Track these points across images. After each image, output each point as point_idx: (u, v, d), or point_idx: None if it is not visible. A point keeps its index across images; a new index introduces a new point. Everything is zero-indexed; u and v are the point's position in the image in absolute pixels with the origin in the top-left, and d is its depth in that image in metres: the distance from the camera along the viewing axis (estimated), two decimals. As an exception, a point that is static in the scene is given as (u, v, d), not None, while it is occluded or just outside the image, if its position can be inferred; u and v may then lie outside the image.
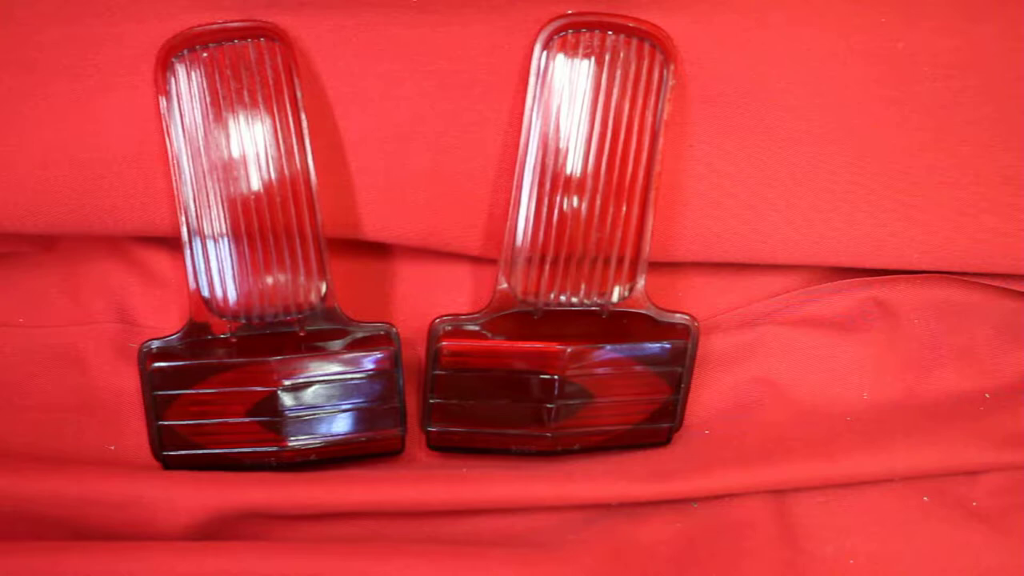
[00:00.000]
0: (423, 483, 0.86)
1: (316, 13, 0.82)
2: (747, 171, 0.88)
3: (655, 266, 0.87)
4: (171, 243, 0.92)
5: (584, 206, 0.84)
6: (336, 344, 0.86)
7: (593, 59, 0.83)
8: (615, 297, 0.86)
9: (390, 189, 0.88)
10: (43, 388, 0.91)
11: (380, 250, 0.93)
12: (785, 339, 0.95)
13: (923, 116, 0.87)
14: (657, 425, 0.90)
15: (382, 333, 0.86)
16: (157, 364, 0.85)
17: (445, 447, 0.91)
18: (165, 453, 0.87)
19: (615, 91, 0.83)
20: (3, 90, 0.83)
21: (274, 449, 0.87)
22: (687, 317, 0.87)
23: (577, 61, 0.83)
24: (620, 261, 0.85)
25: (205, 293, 0.83)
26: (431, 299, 0.93)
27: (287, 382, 0.86)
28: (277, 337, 0.85)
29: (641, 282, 0.86)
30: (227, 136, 0.82)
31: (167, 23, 0.82)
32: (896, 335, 0.95)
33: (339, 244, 0.88)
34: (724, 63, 0.86)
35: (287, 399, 0.86)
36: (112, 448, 0.89)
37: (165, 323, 0.92)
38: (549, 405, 0.87)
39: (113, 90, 0.83)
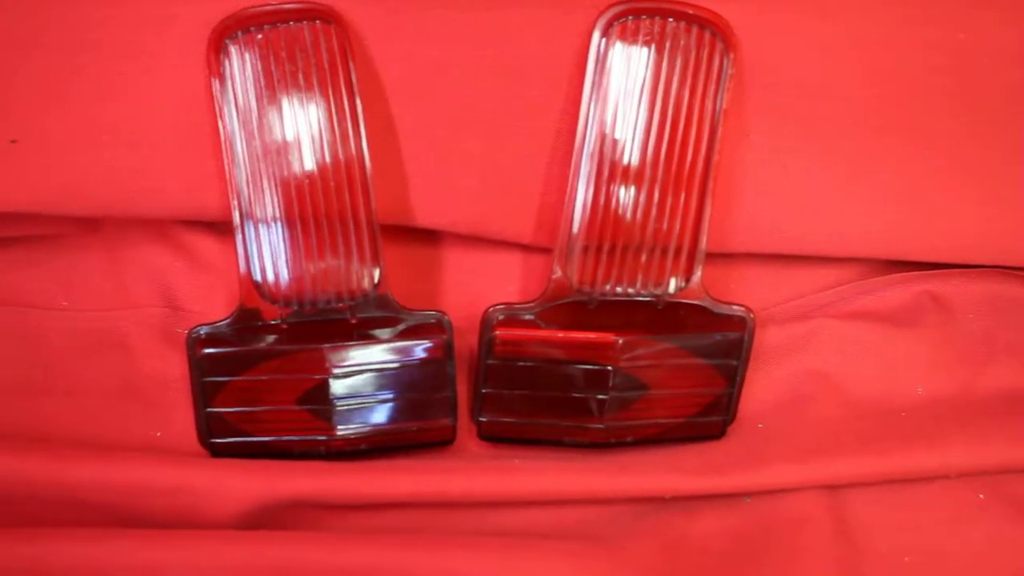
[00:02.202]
0: (474, 474, 0.85)
1: (372, -4, 0.81)
2: (804, 162, 0.87)
3: (708, 256, 0.86)
4: (217, 227, 0.91)
5: (642, 196, 0.83)
6: (387, 332, 0.85)
7: (653, 46, 0.82)
8: (671, 288, 0.85)
9: (442, 175, 0.87)
10: (87, 373, 0.89)
11: (430, 237, 0.92)
12: (839, 332, 0.94)
13: (983, 108, 0.87)
14: (711, 418, 0.89)
15: (434, 321, 0.85)
16: (206, 350, 0.84)
17: (496, 438, 0.90)
18: (213, 440, 0.86)
19: (674, 79, 0.82)
20: (52, 69, 0.82)
21: (323, 438, 0.86)
22: (743, 309, 0.86)
23: (636, 48, 0.82)
24: (677, 252, 0.84)
25: (257, 278, 0.82)
26: (480, 287, 0.92)
27: (338, 370, 0.85)
28: (328, 324, 0.84)
29: (698, 273, 0.85)
30: (281, 119, 0.81)
31: (219, 4, 0.81)
32: (951, 330, 0.95)
33: (388, 230, 0.86)
34: (783, 52, 0.85)
35: (337, 387, 0.85)
36: (158, 435, 0.88)
37: (211, 308, 0.91)
38: (602, 396, 0.86)
39: (164, 71, 0.82)
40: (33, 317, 0.90)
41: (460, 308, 0.88)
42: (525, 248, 0.91)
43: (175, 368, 0.89)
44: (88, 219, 0.89)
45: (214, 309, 0.90)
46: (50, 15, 0.80)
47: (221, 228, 0.90)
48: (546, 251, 0.90)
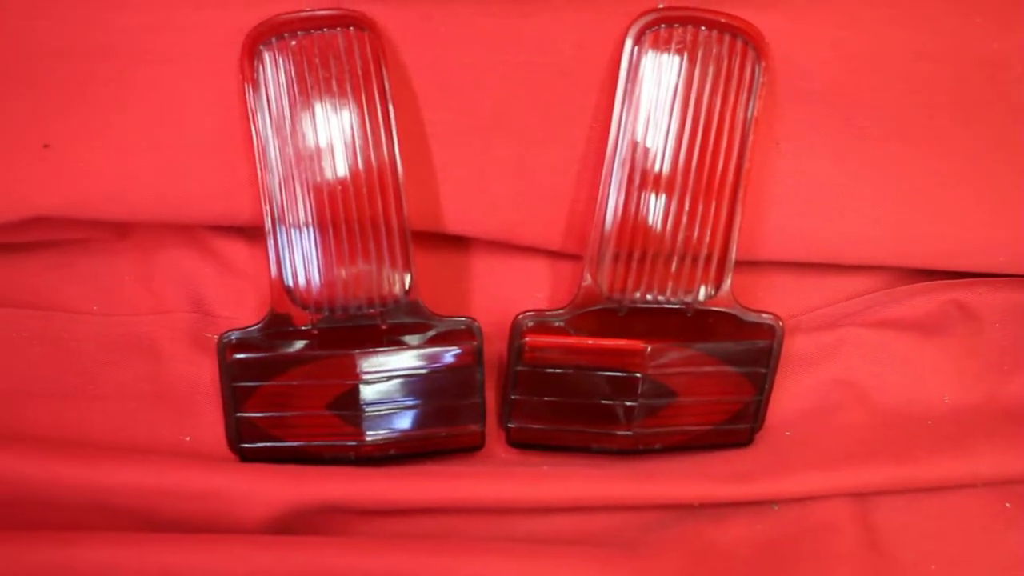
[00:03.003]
0: (503, 480, 0.85)
1: (404, 2, 0.82)
2: (834, 170, 0.88)
3: (737, 264, 0.86)
4: (247, 232, 0.91)
5: (672, 203, 0.83)
6: (418, 338, 0.85)
7: (685, 54, 0.82)
8: (701, 296, 0.85)
9: (473, 181, 0.87)
10: (117, 377, 0.89)
11: (459, 243, 0.92)
12: (867, 341, 0.94)
13: (1014, 119, 0.87)
14: (739, 426, 0.90)
15: (464, 327, 0.85)
16: (237, 355, 0.84)
17: (525, 444, 0.90)
18: (243, 445, 0.86)
19: (706, 87, 0.83)
20: (85, 75, 0.82)
21: (353, 443, 0.86)
22: (772, 317, 0.87)
23: (668, 56, 0.82)
24: (707, 260, 0.84)
25: (288, 283, 0.83)
26: (509, 293, 0.92)
27: (368, 375, 0.85)
28: (359, 330, 0.84)
29: (728, 281, 0.85)
30: (314, 125, 0.81)
31: (252, 10, 0.81)
32: (978, 339, 0.95)
33: (418, 236, 0.86)
34: (814, 61, 0.85)
35: (368, 393, 0.85)
36: (187, 439, 0.88)
37: (240, 313, 0.91)
38: (631, 403, 0.86)
39: (196, 77, 0.82)
40: (64, 321, 0.90)
41: (489, 314, 0.88)
42: (554, 255, 0.91)
43: (205, 373, 0.89)
44: (119, 224, 0.89)
45: (244, 314, 0.91)
46: (83, 21, 0.80)
47: (251, 233, 0.90)
48: (575, 258, 0.90)
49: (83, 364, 0.90)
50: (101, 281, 0.91)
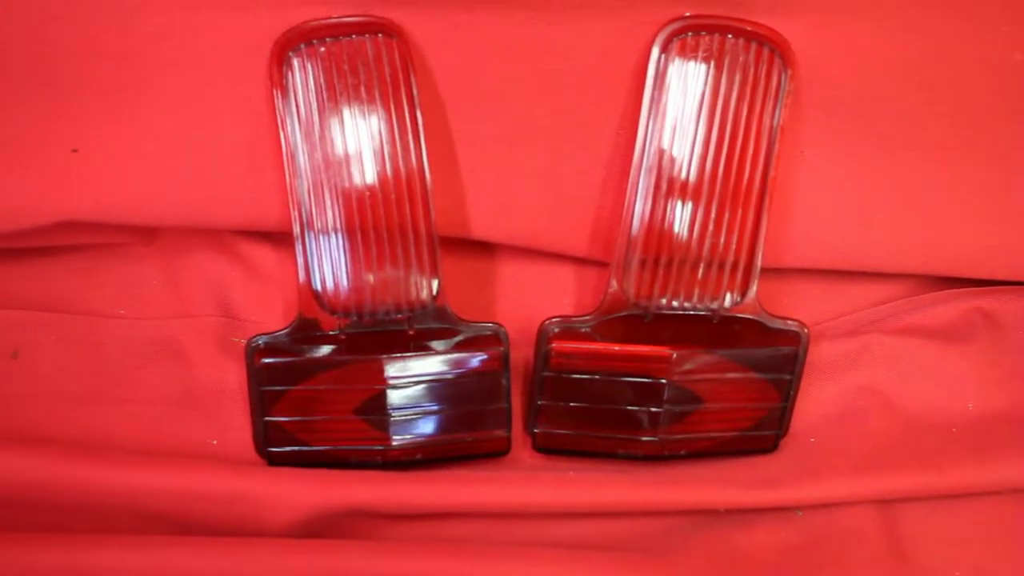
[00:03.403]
0: (529, 485, 0.86)
1: (432, 10, 0.82)
2: (859, 178, 0.88)
3: (762, 271, 0.86)
4: (273, 237, 0.91)
5: (699, 211, 0.84)
6: (444, 343, 0.85)
7: (712, 62, 0.82)
8: (727, 303, 0.86)
9: (499, 188, 0.87)
10: (144, 381, 0.90)
11: (485, 249, 0.92)
12: (890, 348, 0.94)
13: (1039, 127, 0.87)
14: (764, 432, 0.90)
15: (490, 333, 0.86)
16: (265, 360, 0.84)
17: (551, 449, 0.90)
18: (270, 449, 0.87)
19: (733, 95, 0.83)
20: (113, 80, 0.82)
21: (380, 448, 0.86)
22: (797, 323, 0.87)
23: (695, 64, 0.83)
24: (733, 267, 0.85)
25: (316, 288, 0.83)
26: (535, 299, 0.93)
27: (395, 380, 0.85)
28: (386, 335, 0.85)
29: (754, 288, 0.85)
30: (342, 131, 0.81)
31: (280, 16, 0.81)
32: (1001, 346, 0.95)
33: (444, 242, 0.86)
34: (839, 69, 0.85)
35: (395, 398, 0.85)
36: (214, 443, 0.88)
37: (267, 318, 0.91)
38: (657, 409, 0.87)
39: (225, 83, 0.83)
40: (92, 325, 0.90)
41: (514, 320, 0.88)
42: (579, 261, 0.92)
43: (232, 377, 0.89)
44: (147, 229, 0.90)
45: (270, 319, 0.91)
46: (112, 27, 0.81)
47: (277, 238, 0.91)
48: (600, 264, 0.91)
49: (111, 368, 0.90)
50: (129, 285, 0.92)
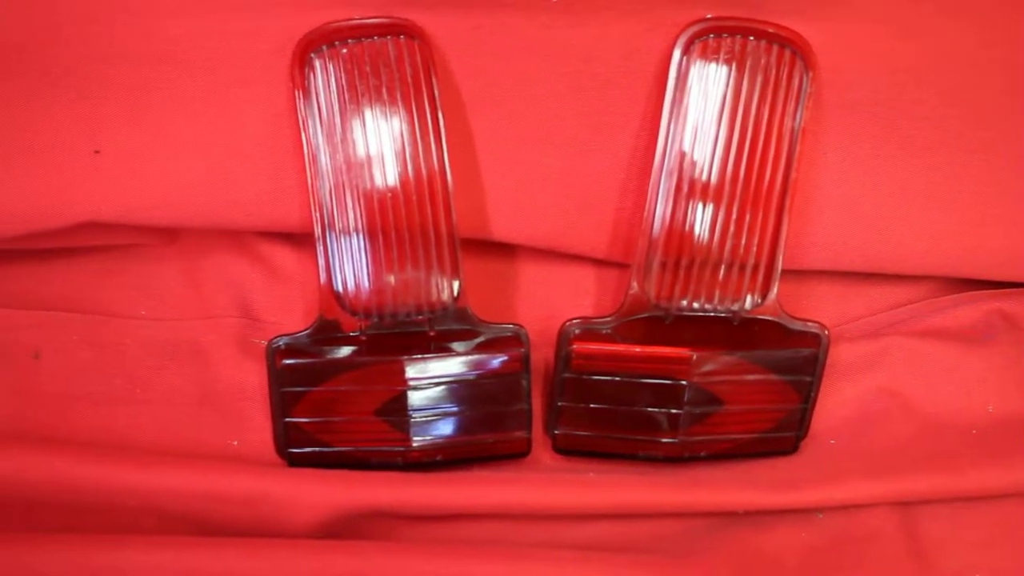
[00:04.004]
0: (549, 486, 0.85)
1: (454, 12, 0.82)
2: (880, 180, 0.88)
3: (782, 273, 0.86)
4: (294, 238, 0.91)
5: (720, 213, 0.84)
6: (465, 345, 0.86)
7: (733, 64, 0.82)
8: (747, 304, 0.86)
9: (520, 190, 0.87)
10: (165, 381, 0.90)
11: (505, 250, 0.92)
12: (911, 350, 0.94)
13: (1061, 129, 0.87)
14: (784, 433, 0.90)
15: (511, 334, 0.86)
16: (286, 361, 0.85)
17: (571, 451, 0.90)
18: (291, 450, 0.87)
19: (754, 97, 0.83)
20: (136, 81, 0.83)
21: (400, 449, 0.87)
22: (818, 325, 0.87)
23: (716, 66, 0.83)
24: (754, 269, 0.85)
25: (337, 289, 0.83)
26: (555, 301, 0.93)
27: (415, 382, 0.85)
28: (407, 336, 0.85)
29: (774, 290, 0.85)
30: (364, 132, 0.82)
31: (302, 18, 0.81)
32: (1021, 348, 0.94)
33: (464, 243, 0.86)
34: (861, 71, 0.85)
35: (415, 399, 0.85)
36: (235, 444, 0.89)
37: (287, 319, 0.92)
38: (677, 411, 0.87)
39: (246, 84, 0.83)
40: (112, 326, 0.91)
41: (534, 321, 0.89)
42: (599, 263, 0.92)
43: (252, 377, 0.89)
44: (168, 230, 0.90)
45: (290, 320, 0.91)
46: (135, 29, 0.81)
47: (298, 239, 0.91)
48: (620, 266, 0.91)
49: (131, 368, 0.90)
50: (150, 286, 0.92)
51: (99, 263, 0.91)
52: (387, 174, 0.82)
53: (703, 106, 0.83)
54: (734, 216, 0.84)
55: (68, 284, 0.92)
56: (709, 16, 0.83)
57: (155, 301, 0.92)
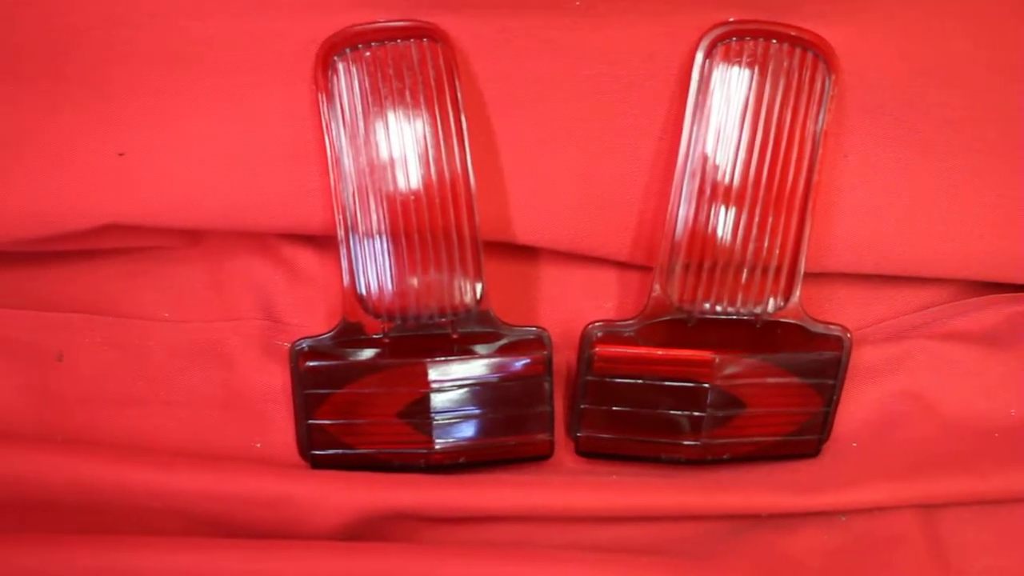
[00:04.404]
0: (572, 489, 0.85)
1: (477, 14, 0.82)
2: (902, 183, 0.88)
3: (804, 275, 0.86)
4: (317, 241, 0.91)
5: (742, 216, 0.84)
6: (488, 347, 0.86)
7: (756, 67, 0.82)
8: (770, 307, 0.86)
9: (542, 192, 0.87)
10: (189, 383, 0.90)
11: (527, 253, 0.92)
12: (933, 353, 0.94)
13: (1083, 133, 0.87)
14: (806, 436, 0.90)
15: (534, 337, 0.86)
16: (309, 363, 0.85)
17: (593, 453, 0.90)
18: (314, 452, 0.87)
19: (777, 100, 0.83)
20: (160, 83, 0.83)
21: (423, 451, 0.87)
22: (840, 328, 0.87)
23: (739, 69, 0.83)
24: (777, 271, 0.85)
25: (361, 292, 0.83)
26: (576, 303, 0.93)
27: (438, 384, 0.85)
28: (429, 339, 0.85)
29: (797, 293, 0.85)
30: (387, 135, 0.82)
31: (326, 21, 0.82)
32: (1044, 352, 0.95)
33: (486, 246, 0.87)
34: (883, 74, 0.85)
35: (438, 401, 0.85)
36: (258, 446, 0.89)
37: (310, 321, 0.92)
38: (699, 414, 0.87)
39: (270, 86, 0.83)
40: (136, 328, 0.91)
41: (556, 324, 0.89)
42: (621, 265, 0.92)
43: (275, 380, 0.90)
44: (191, 232, 0.90)
45: (313, 322, 0.91)
46: (159, 31, 0.81)
47: (320, 241, 0.91)
48: (641, 268, 0.91)
49: (155, 370, 0.90)
50: (173, 288, 0.92)
51: (122, 265, 0.92)
52: (410, 177, 0.82)
53: (725, 109, 0.83)
54: (756, 219, 0.84)
55: (91, 286, 0.92)
56: (732, 19, 0.83)
57: (178, 303, 0.92)
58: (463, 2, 0.81)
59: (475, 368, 0.85)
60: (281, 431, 0.89)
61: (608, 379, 0.87)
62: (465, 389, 0.86)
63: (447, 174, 0.82)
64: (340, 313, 0.85)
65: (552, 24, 0.83)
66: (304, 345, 0.85)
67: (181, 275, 0.92)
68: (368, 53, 0.81)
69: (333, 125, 0.81)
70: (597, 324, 0.86)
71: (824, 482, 0.87)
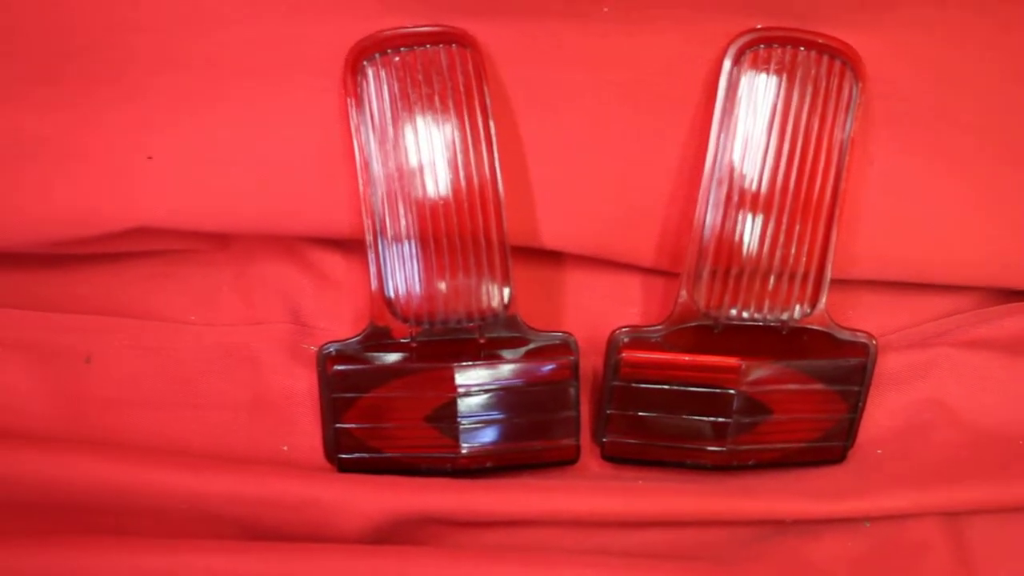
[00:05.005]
0: (598, 493, 0.86)
1: (506, 20, 0.83)
2: (927, 191, 0.88)
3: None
4: (344, 245, 0.92)
5: (769, 223, 0.84)
6: (515, 352, 0.86)
7: (784, 75, 0.83)
8: (796, 314, 0.86)
9: (569, 197, 0.88)
10: (215, 386, 0.90)
11: (551, 258, 0.92)
12: (957, 360, 0.94)
13: (1113, 141, 0.87)
14: (832, 443, 0.90)
15: (560, 342, 0.86)
16: (337, 367, 0.85)
17: (619, 458, 0.90)
18: (341, 456, 0.87)
19: (804, 108, 0.83)
20: (189, 88, 0.83)
21: (450, 455, 0.87)
22: (866, 335, 0.87)
23: (766, 76, 0.83)
24: (804, 278, 0.85)
25: (389, 296, 0.84)
26: (601, 308, 0.93)
27: (465, 389, 0.85)
28: (456, 343, 0.85)
29: (823, 300, 0.85)
30: (416, 140, 0.82)
31: (355, 26, 0.82)
32: (1069, 360, 0.95)
33: (512, 250, 0.87)
34: (909, 82, 0.86)
35: (465, 405, 0.86)
36: (285, 449, 0.89)
37: (337, 325, 0.92)
38: (725, 420, 0.87)
39: (298, 91, 0.83)
40: (163, 331, 0.91)
41: (581, 328, 0.89)
42: (645, 271, 0.92)
43: (302, 383, 0.90)
44: (218, 235, 0.90)
45: (340, 326, 0.92)
46: (189, 35, 0.82)
47: (347, 246, 0.91)
48: (667, 274, 0.91)
49: (182, 373, 0.91)
50: (200, 291, 0.93)
51: (150, 268, 0.92)
52: (439, 182, 0.82)
53: (753, 116, 0.84)
54: (783, 226, 0.84)
55: (119, 289, 0.92)
56: (759, 26, 0.83)
57: (206, 306, 0.92)
58: (492, 8, 0.82)
59: (502, 373, 0.86)
60: (307, 434, 0.89)
61: (635, 384, 0.87)
62: (492, 393, 0.86)
63: (476, 179, 0.82)
64: (367, 317, 0.85)
65: (580, 30, 0.83)
66: (332, 349, 0.85)
67: (208, 278, 0.92)
68: (397, 58, 0.82)
69: (363, 130, 0.82)
70: (624, 330, 0.86)
71: (849, 489, 0.87)
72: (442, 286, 0.84)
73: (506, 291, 0.84)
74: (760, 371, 0.86)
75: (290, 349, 0.91)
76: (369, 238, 0.83)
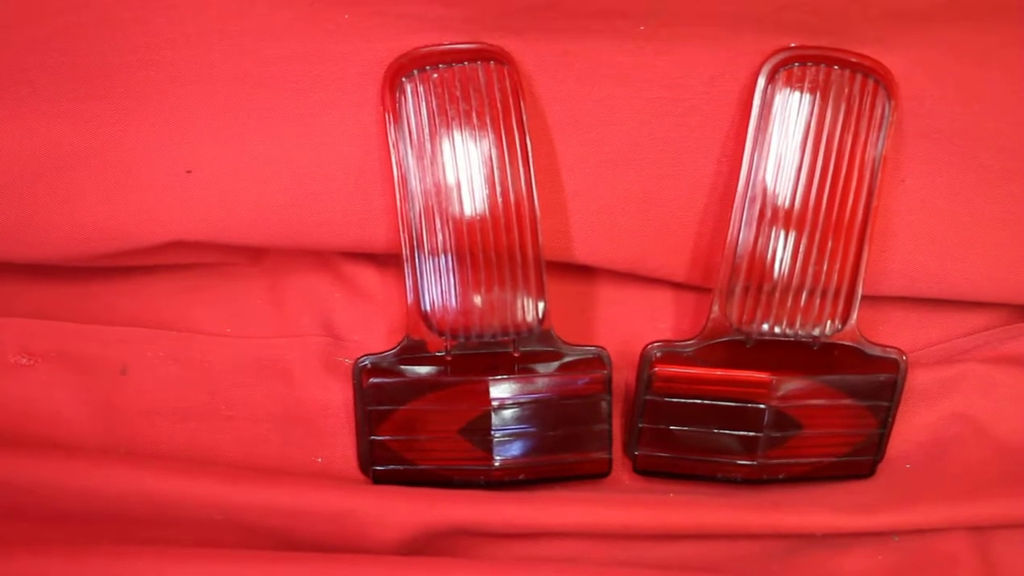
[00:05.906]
0: (630, 506, 0.86)
1: (542, 37, 0.83)
2: (958, 208, 0.89)
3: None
4: (377, 259, 0.92)
5: (802, 240, 0.85)
6: (549, 366, 0.87)
7: (817, 93, 0.84)
8: (827, 330, 0.86)
9: (602, 213, 0.88)
10: (250, 398, 0.91)
11: (584, 273, 0.93)
12: (986, 376, 0.94)
13: None
14: (861, 457, 0.91)
15: (594, 356, 0.87)
16: (372, 380, 0.86)
17: (651, 472, 0.91)
18: (375, 468, 0.88)
19: (837, 126, 0.84)
20: (228, 103, 0.84)
21: (484, 467, 0.88)
22: (896, 351, 0.88)
23: (799, 94, 0.84)
24: (835, 295, 0.86)
25: (425, 309, 0.84)
26: (633, 323, 0.94)
27: (499, 402, 0.86)
28: (491, 356, 0.86)
29: (854, 316, 0.86)
30: (453, 156, 0.83)
31: (393, 43, 0.83)
32: (1096, 376, 0.95)
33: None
34: (940, 101, 0.86)
35: (499, 419, 0.86)
36: (319, 460, 0.90)
37: (371, 339, 0.93)
38: (756, 434, 0.88)
39: (336, 107, 0.84)
40: (198, 343, 0.92)
41: (613, 343, 0.89)
42: (677, 286, 0.93)
43: (335, 396, 0.91)
44: (253, 248, 0.91)
45: (374, 339, 0.92)
46: (228, 51, 0.82)
47: (381, 260, 0.92)
48: (698, 289, 0.92)
49: (216, 385, 0.92)
50: (235, 304, 0.94)
51: (185, 280, 0.93)
52: (476, 197, 0.83)
53: (786, 134, 0.84)
54: (816, 243, 0.85)
55: (155, 301, 0.93)
56: (793, 45, 0.84)
57: (241, 319, 0.93)
58: (529, 26, 0.82)
59: (536, 386, 0.87)
60: (341, 446, 0.90)
61: (667, 399, 0.88)
62: (525, 407, 0.87)
63: (512, 194, 0.83)
64: (400, 330, 0.86)
65: (615, 48, 0.84)
66: (367, 362, 0.86)
67: (243, 291, 0.93)
68: (435, 75, 0.82)
69: (400, 145, 0.82)
70: (657, 344, 0.87)
71: (878, 503, 0.88)
72: (477, 300, 0.84)
73: (541, 305, 0.85)
74: (791, 386, 0.87)
75: (324, 362, 0.92)
76: (406, 252, 0.84)
